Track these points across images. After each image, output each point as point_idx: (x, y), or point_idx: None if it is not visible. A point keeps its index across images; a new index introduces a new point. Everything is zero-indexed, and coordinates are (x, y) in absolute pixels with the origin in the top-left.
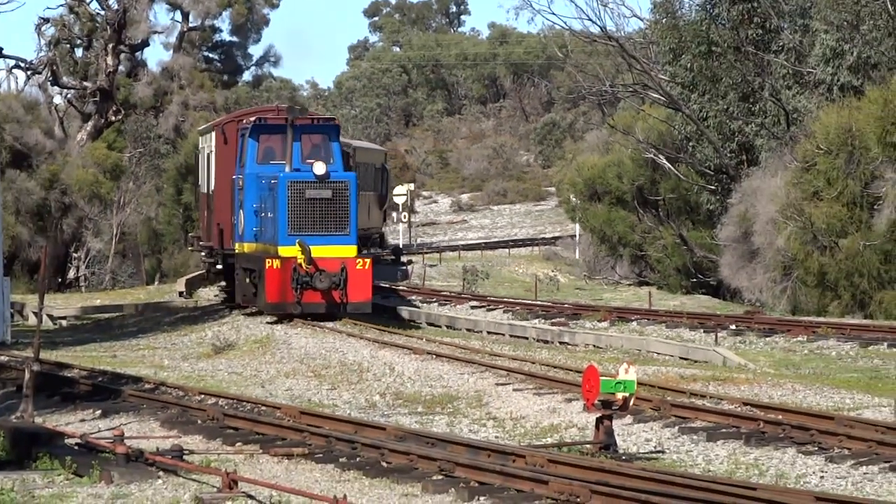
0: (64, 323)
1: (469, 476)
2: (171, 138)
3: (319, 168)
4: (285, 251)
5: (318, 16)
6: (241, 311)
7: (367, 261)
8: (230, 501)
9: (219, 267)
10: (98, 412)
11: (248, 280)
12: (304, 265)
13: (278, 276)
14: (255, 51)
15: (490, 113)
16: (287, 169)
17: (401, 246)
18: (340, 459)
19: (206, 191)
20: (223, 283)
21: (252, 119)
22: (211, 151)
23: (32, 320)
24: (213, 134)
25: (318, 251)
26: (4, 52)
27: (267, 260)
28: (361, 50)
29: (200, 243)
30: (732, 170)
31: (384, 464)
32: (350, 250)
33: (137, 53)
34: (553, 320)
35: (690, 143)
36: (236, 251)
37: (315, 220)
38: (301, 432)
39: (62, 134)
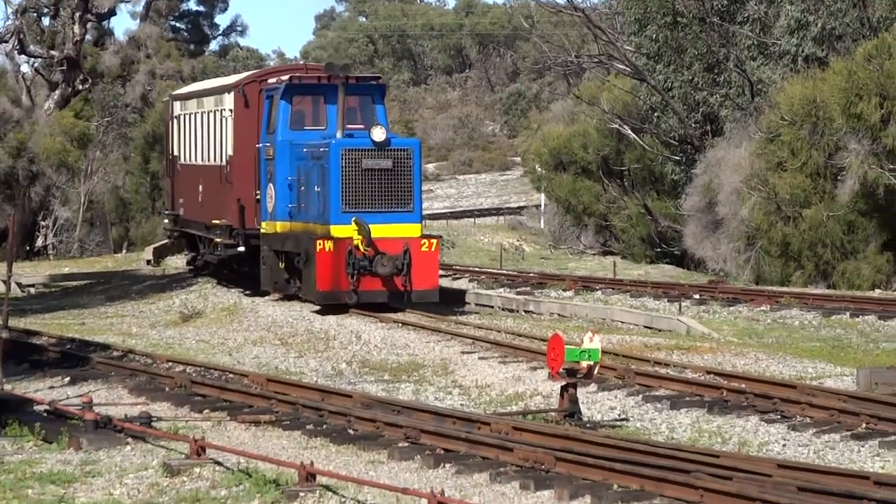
0: (32, 290)
1: (435, 443)
2: (138, 107)
3: (378, 134)
4: (339, 231)
5: None
6: (197, 274)
7: (434, 241)
8: (198, 468)
9: (241, 249)
10: (67, 379)
11: (280, 264)
12: (361, 247)
13: (331, 259)
14: (222, 20)
15: (456, 83)
16: (338, 135)
17: None
18: (307, 426)
19: (170, 158)
20: (188, 251)
21: (284, 78)
22: (182, 116)
23: (1, 288)
24: (230, 96)
25: (377, 231)
26: None
27: (317, 241)
28: (328, 20)
29: (165, 211)
30: (697, 140)
31: (351, 431)
32: (414, 229)
33: (104, 22)
34: (518, 289)
35: (655, 114)
36: (263, 231)
37: (373, 194)
38: (268, 399)
39: (29, 103)
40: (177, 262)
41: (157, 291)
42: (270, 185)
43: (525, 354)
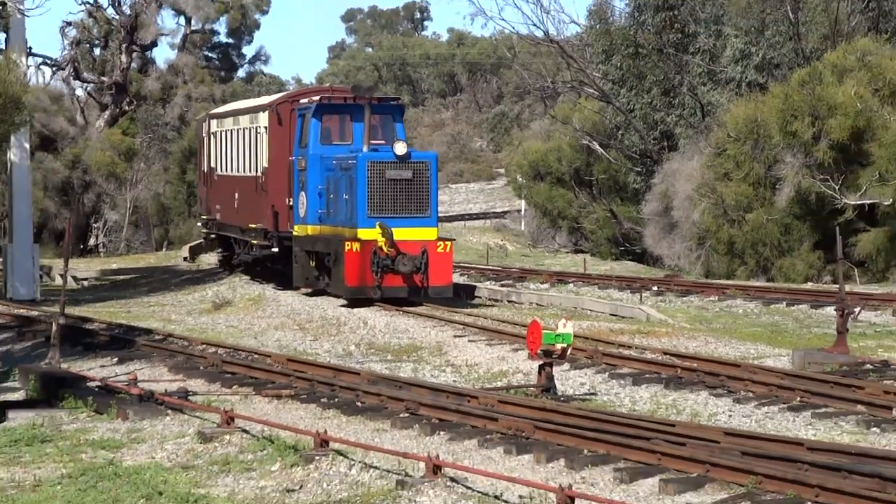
0: (85, 283)
1: (431, 414)
2: (176, 126)
3: (400, 148)
4: (365, 234)
5: (302, 20)
6: (231, 272)
7: (449, 244)
8: (228, 435)
9: (274, 250)
10: (115, 359)
11: (311, 263)
12: (384, 248)
13: (358, 259)
14: (248, 51)
15: (449, 105)
16: (364, 149)
17: None
18: (322, 400)
19: (205, 169)
20: (221, 250)
21: (315, 98)
22: (219, 132)
23: (59, 281)
24: (265, 114)
25: (398, 234)
26: (33, 51)
27: (346, 243)
28: (339, 50)
29: (200, 215)
30: (655, 154)
31: (359, 404)
32: (431, 233)
33: (147, 52)
34: (502, 282)
35: (620, 132)
36: (295, 234)
37: (395, 201)
38: (288, 377)
39: (83, 121)
40: (210, 259)
41: (192, 284)
42: (302, 193)
43: (508, 338)
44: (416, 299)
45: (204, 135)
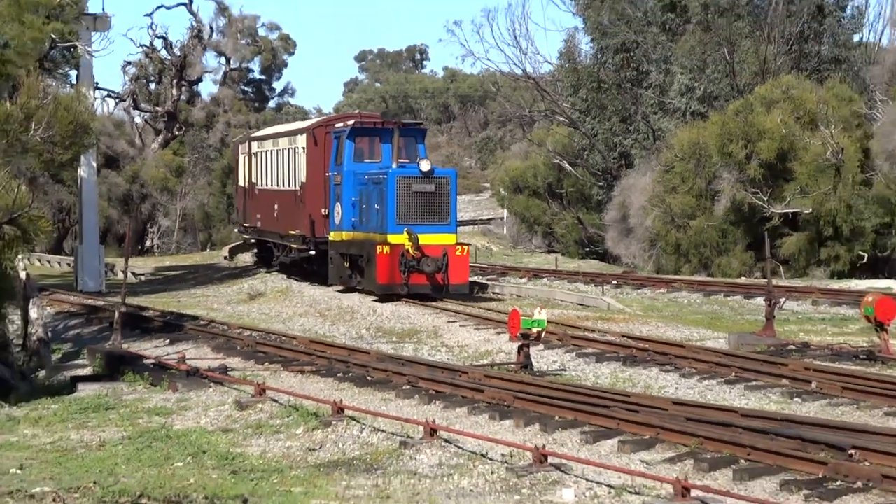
0: (142, 278)
1: (429, 386)
2: (217, 147)
3: (425, 165)
4: (394, 238)
5: (322, 60)
6: (268, 270)
7: (466, 247)
8: (260, 404)
9: (311, 253)
10: (167, 341)
11: (345, 264)
12: (411, 251)
13: (388, 260)
14: (278, 85)
15: (443, 130)
16: (394, 165)
17: None
18: (338, 374)
19: (243, 184)
20: (255, 251)
21: (349, 123)
22: (259, 153)
23: (120, 276)
24: (303, 137)
25: (423, 239)
26: (100, 85)
27: (378, 246)
28: (353, 85)
29: (240, 224)
30: (615, 171)
31: (369, 378)
32: (451, 238)
33: (194, 87)
34: (487, 277)
35: (585, 152)
36: (331, 239)
37: (420, 211)
38: (310, 355)
39: (141, 144)
40: (246, 258)
41: (231, 279)
42: (338, 203)
43: (492, 323)
44: (438, 295)
45: (240, 155)
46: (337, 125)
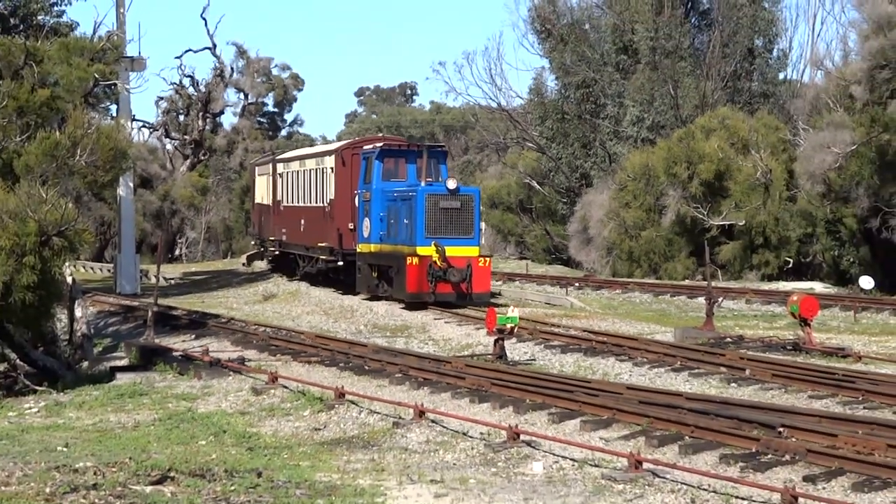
0: (172, 282)
1: (417, 375)
2: (237, 170)
3: (451, 184)
4: (422, 250)
5: (326, 95)
6: (292, 279)
7: (488, 259)
8: (273, 390)
9: (339, 264)
10: (193, 336)
11: (373, 274)
12: (438, 262)
13: (416, 270)
14: (289, 117)
15: None
16: (422, 184)
17: None
18: (340, 364)
19: (260, 202)
20: (270, 258)
21: (378, 145)
22: (285, 173)
23: (153, 280)
24: (332, 158)
25: (449, 251)
26: (136, 117)
27: (407, 257)
28: (353, 116)
29: (255, 235)
30: (576, 189)
31: (366, 367)
32: (474, 250)
33: (217, 118)
34: None
35: (551, 173)
36: (359, 250)
37: (447, 225)
38: (316, 348)
39: (171, 167)
40: (261, 265)
41: (248, 282)
42: (366, 218)
43: (473, 320)
44: (462, 303)
45: (257, 176)
46: (365, 147)
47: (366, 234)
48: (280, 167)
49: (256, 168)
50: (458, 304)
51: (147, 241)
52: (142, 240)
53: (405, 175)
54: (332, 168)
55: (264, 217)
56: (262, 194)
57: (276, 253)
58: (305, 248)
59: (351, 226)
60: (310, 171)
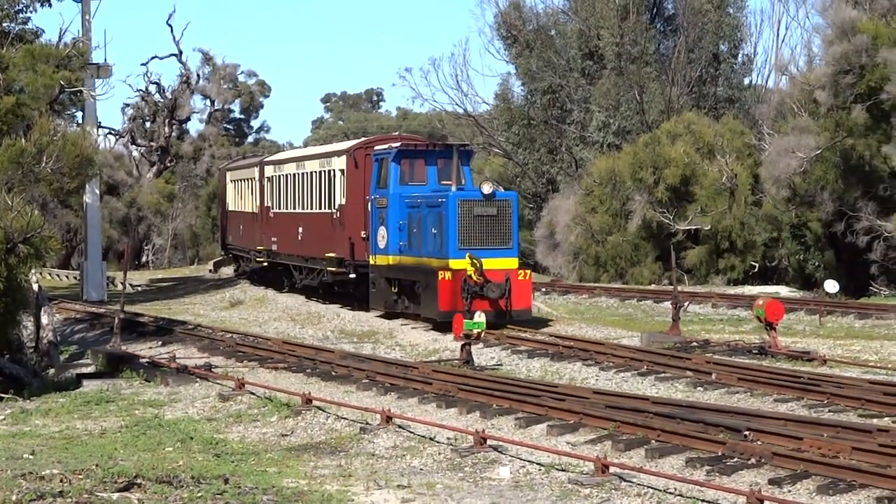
0: (139, 288)
1: (385, 380)
2: (203, 177)
3: (487, 188)
4: (456, 264)
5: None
6: (248, 281)
7: (528, 272)
8: (240, 396)
9: (352, 276)
10: (160, 343)
11: (392, 289)
12: (474, 276)
13: (450, 286)
14: (255, 123)
15: None
16: (453, 189)
17: None
18: (307, 370)
19: (235, 209)
20: (236, 265)
21: (395, 145)
22: (276, 177)
23: (120, 287)
24: (341, 159)
25: (485, 263)
26: (102, 124)
27: (439, 272)
28: (319, 122)
29: (228, 245)
30: (543, 195)
31: (333, 373)
32: (513, 262)
33: (183, 125)
34: None
35: (518, 178)
36: (375, 262)
37: (482, 235)
38: (283, 354)
39: (137, 174)
40: (227, 271)
41: (215, 289)
42: (382, 227)
43: (440, 325)
44: (501, 322)
45: (228, 181)
46: (377, 147)
47: (381, 245)
48: (270, 170)
49: (228, 173)
50: (498, 323)
51: (114, 247)
52: (108, 247)
53: (424, 178)
54: (341, 170)
55: (244, 225)
56: (236, 200)
57: (265, 264)
58: (304, 258)
59: (364, 234)
60: (311, 173)
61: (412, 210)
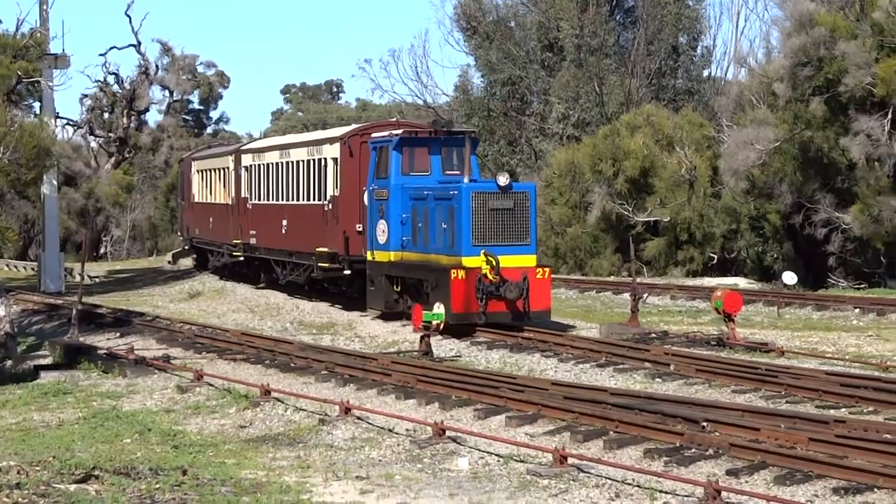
0: (97, 280)
1: (344, 371)
2: (162, 168)
3: (503, 179)
4: (469, 261)
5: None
6: (207, 272)
7: (547, 270)
8: (198, 388)
9: (347, 273)
10: (118, 334)
11: (394, 287)
12: (489, 275)
13: (463, 286)
14: (214, 114)
15: None
16: (466, 180)
17: None
18: (265, 362)
19: (203, 201)
20: (195, 256)
21: (396, 132)
22: (254, 166)
23: (78, 278)
24: (334, 147)
25: (502, 261)
26: (60, 114)
27: (452, 270)
28: (279, 114)
29: (179, 232)
30: None
31: (292, 364)
32: (531, 260)
33: (142, 116)
34: None
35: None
36: (374, 259)
37: (498, 230)
38: (242, 346)
39: (96, 165)
40: (187, 263)
41: (173, 280)
42: (382, 220)
43: (399, 317)
44: (519, 324)
45: (195, 171)
46: (374, 135)
47: (381, 240)
48: (247, 159)
49: (194, 162)
50: (515, 325)
51: (72, 239)
52: (66, 238)
53: (427, 167)
54: (334, 159)
55: (214, 218)
56: (204, 191)
57: (241, 259)
58: (288, 253)
59: (359, 228)
60: (298, 162)
61: (417, 202)
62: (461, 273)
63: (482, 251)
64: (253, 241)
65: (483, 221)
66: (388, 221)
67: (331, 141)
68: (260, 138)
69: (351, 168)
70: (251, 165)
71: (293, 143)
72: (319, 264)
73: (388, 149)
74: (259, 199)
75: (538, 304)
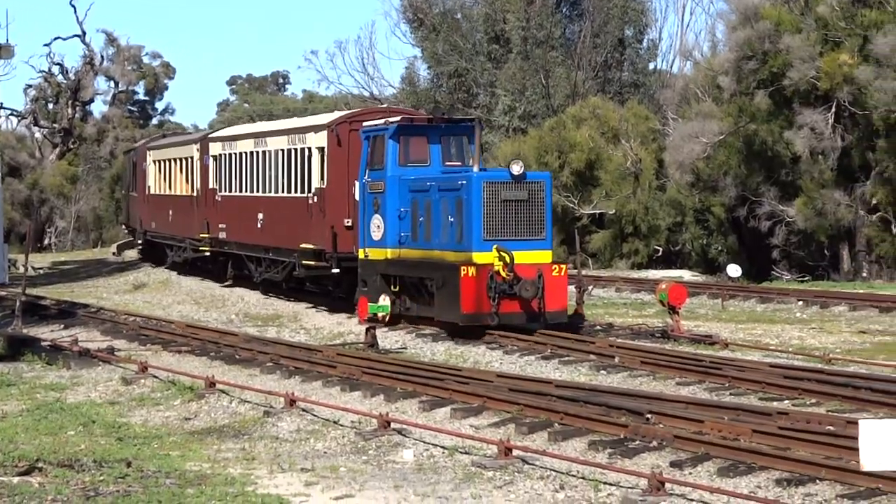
0: (41, 271)
1: (289, 363)
2: (107, 159)
3: (516, 167)
4: (480, 258)
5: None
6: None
7: (563, 267)
8: (143, 380)
9: (335, 270)
10: (62, 326)
11: (391, 287)
12: (502, 273)
13: (474, 284)
14: (160, 105)
15: None
16: (475, 169)
17: None
18: (210, 353)
19: (159, 192)
20: (140, 247)
21: (393, 120)
22: (225, 155)
23: (21, 270)
24: (320, 135)
25: (516, 257)
26: (4, 105)
27: (462, 267)
28: (225, 105)
29: (124, 224)
30: None
31: (237, 356)
32: (546, 256)
33: (87, 106)
34: None
35: None
36: (367, 256)
37: (511, 223)
38: (187, 337)
39: (40, 155)
40: (132, 254)
41: (118, 272)
42: (377, 215)
43: (346, 310)
44: (534, 326)
45: (150, 161)
46: (366, 124)
47: (376, 236)
48: (216, 147)
49: (150, 152)
50: (529, 327)
51: (15, 230)
52: (10, 229)
53: (426, 158)
54: (320, 148)
55: (175, 210)
56: (161, 182)
57: (206, 254)
58: (265, 249)
59: (348, 223)
60: (277, 152)
61: (418, 195)
62: (472, 270)
63: (494, 246)
64: (223, 235)
65: (495, 214)
66: (383, 216)
67: (316, 129)
68: (203, 130)
69: (339, 158)
70: (221, 155)
71: (271, 130)
72: (303, 262)
73: (385, 138)
74: (230, 191)
75: (554, 304)
